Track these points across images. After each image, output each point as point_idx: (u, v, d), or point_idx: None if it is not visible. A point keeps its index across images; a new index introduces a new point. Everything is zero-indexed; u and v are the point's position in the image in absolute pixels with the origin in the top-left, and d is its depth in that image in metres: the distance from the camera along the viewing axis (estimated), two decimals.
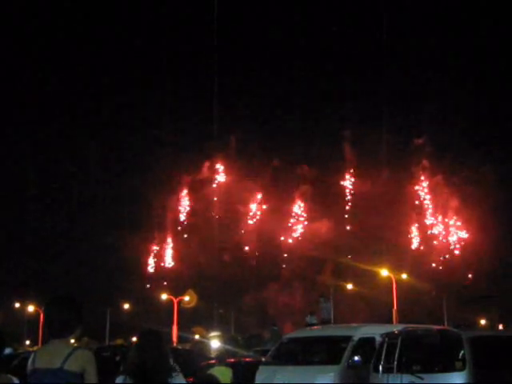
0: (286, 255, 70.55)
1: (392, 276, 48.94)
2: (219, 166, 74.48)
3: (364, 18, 70.06)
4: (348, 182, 71.99)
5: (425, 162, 70.80)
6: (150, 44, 75.18)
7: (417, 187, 71.68)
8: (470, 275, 66.14)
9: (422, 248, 69.43)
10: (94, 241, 67.87)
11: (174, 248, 73.62)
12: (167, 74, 72.00)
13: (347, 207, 71.61)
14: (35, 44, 71.16)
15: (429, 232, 70.76)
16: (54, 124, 70.90)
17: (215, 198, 73.16)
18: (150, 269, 73.22)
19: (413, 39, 69.47)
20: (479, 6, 67.36)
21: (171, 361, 6.43)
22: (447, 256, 68.68)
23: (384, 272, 50.38)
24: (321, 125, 69.11)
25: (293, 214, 72.06)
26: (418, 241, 70.19)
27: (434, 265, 66.33)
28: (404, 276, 53.36)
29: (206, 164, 73.41)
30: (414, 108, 68.49)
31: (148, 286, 65.50)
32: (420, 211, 71.28)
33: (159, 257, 73.98)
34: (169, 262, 73.29)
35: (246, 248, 71.65)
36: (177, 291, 61.05)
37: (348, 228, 70.25)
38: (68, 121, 71.52)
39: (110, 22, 73.30)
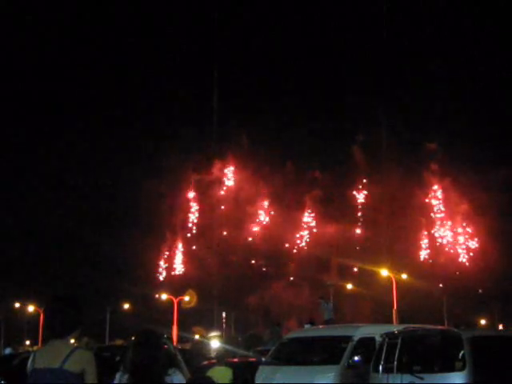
0: (291, 260, 70.43)
1: (392, 276, 48.98)
2: (227, 171, 74.50)
3: (375, 21, 69.70)
4: (361, 196, 71.77)
5: (436, 170, 70.15)
6: (159, 43, 75.01)
7: (429, 196, 71.28)
8: (480, 290, 65.42)
9: (430, 261, 68.91)
10: (96, 242, 67.85)
11: (183, 253, 73.50)
12: (177, 75, 71.98)
13: (358, 214, 71.31)
14: (39, 43, 71.31)
15: (438, 243, 70.36)
16: (63, 126, 70.96)
17: (222, 207, 72.85)
18: (160, 277, 72.75)
19: (422, 43, 69.47)
20: (493, 4, 67.13)
21: (180, 358, 6.54)
22: (457, 272, 67.93)
23: (384, 272, 50.48)
24: (332, 131, 69.11)
25: (302, 225, 71.97)
26: (427, 252, 69.80)
27: (441, 285, 65.44)
28: (404, 276, 53.36)
29: (216, 167, 73.31)
30: (425, 113, 67.95)
31: (157, 296, 64.78)
32: (430, 221, 70.88)
33: (168, 262, 73.83)
34: (179, 269, 73.08)
35: (253, 254, 71.42)
36: (177, 291, 61.06)
37: (357, 235, 69.84)
38: (75, 122, 71.55)
39: (113, 26, 73.33)
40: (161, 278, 71.74)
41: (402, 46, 69.45)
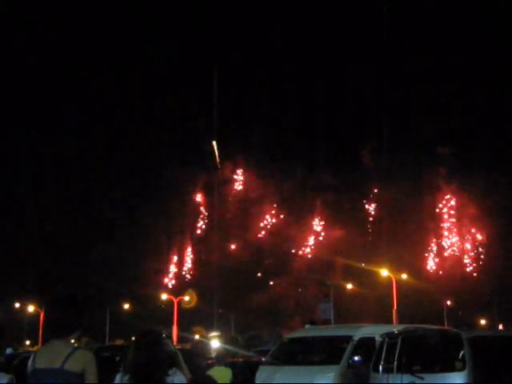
0: (297, 262, 70.41)
1: (392, 276, 48.98)
2: (237, 177, 74.66)
3: (382, 21, 69.45)
4: (372, 207, 71.59)
5: (446, 175, 69.69)
6: (165, 45, 75.00)
7: (441, 204, 71.02)
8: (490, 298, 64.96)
9: (440, 273, 68.58)
10: (98, 242, 67.82)
11: (192, 260, 73.53)
12: (178, 75, 71.87)
13: (366, 220, 71.09)
14: (42, 46, 71.25)
15: (446, 253, 70.11)
16: (67, 129, 70.98)
17: (230, 217, 72.73)
18: (169, 284, 72.63)
19: (431, 45, 69.36)
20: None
21: (180, 357, 6.54)
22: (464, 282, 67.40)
23: (384, 272, 50.49)
24: (342, 136, 69.06)
25: (310, 229, 71.90)
26: (435, 260, 69.56)
27: (449, 303, 64.80)
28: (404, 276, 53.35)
29: (226, 169, 73.32)
30: (434, 118, 67.49)
31: (157, 296, 64.63)
32: (439, 227, 70.64)
33: (177, 266, 73.84)
34: (188, 274, 73.04)
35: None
36: (180, 292, 61.06)
37: (365, 241, 69.62)
38: (81, 126, 71.53)
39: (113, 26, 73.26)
40: (169, 286, 71.42)
41: (413, 50, 69.45)
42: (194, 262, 73.86)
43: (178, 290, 63.23)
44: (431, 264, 69.56)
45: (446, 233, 71.23)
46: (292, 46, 73.19)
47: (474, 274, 68.72)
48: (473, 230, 70.02)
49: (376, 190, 71.02)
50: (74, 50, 72.91)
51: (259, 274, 70.26)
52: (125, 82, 70.69)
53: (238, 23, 72.91)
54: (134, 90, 70.82)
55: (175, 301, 56.82)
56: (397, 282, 48.42)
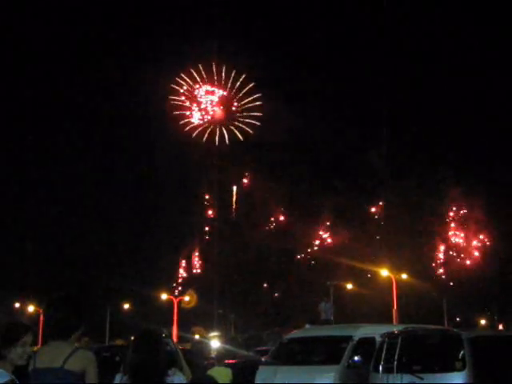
0: (301, 263, 70.50)
1: (392, 276, 48.93)
2: (245, 181, 74.88)
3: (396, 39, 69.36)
4: (378, 205, 71.53)
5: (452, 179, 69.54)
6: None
7: (450, 212, 70.96)
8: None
9: (451, 281, 68.46)
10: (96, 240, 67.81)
11: (199, 261, 73.61)
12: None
13: (372, 225, 71.04)
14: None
15: (450, 255, 70.09)
16: (73, 122, 71.08)
17: (236, 219, 72.82)
18: (175, 291, 72.53)
19: (433, 50, 69.49)
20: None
21: (182, 359, 6.53)
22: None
23: (384, 272, 50.47)
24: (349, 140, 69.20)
25: (316, 232, 71.92)
26: (442, 264, 69.60)
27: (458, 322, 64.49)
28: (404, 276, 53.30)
29: (233, 171, 73.41)
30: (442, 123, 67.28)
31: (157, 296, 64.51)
32: (445, 234, 70.62)
33: (186, 270, 73.93)
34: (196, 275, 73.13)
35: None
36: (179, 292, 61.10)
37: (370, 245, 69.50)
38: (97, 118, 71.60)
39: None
40: (176, 293, 71.28)
41: (416, 50, 69.49)
42: (200, 264, 74.05)
43: (179, 291, 63.24)
44: (436, 267, 69.57)
45: (453, 239, 71.23)
46: (294, 47, 73.43)
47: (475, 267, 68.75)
48: (481, 237, 69.98)
49: (382, 193, 70.99)
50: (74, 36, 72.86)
51: (264, 276, 70.30)
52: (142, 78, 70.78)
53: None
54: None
55: (175, 301, 56.79)
56: (397, 282, 48.36)
